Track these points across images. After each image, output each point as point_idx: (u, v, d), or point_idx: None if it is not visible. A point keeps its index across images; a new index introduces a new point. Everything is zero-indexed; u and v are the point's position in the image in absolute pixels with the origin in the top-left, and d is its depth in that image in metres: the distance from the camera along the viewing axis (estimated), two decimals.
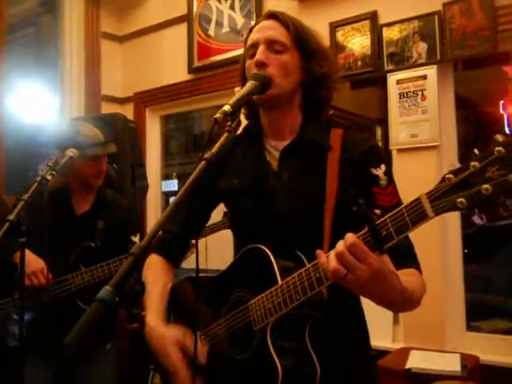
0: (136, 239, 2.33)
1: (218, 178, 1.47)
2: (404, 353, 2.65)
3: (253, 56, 1.38)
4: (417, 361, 2.50)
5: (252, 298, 1.28)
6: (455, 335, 2.81)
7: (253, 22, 3.58)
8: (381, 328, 2.97)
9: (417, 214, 0.96)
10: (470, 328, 2.91)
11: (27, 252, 2.15)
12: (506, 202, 0.87)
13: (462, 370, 2.35)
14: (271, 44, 1.36)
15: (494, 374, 2.55)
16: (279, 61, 1.36)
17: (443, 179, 0.93)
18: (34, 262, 2.18)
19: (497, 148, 0.87)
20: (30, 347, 2.14)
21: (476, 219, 1.01)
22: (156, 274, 1.50)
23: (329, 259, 1.03)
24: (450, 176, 0.92)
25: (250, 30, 1.45)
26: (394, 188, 1.32)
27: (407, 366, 2.42)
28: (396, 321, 3.01)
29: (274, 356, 1.20)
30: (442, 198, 0.93)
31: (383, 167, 1.33)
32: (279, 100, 1.38)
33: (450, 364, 2.41)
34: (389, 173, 1.33)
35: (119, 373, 2.46)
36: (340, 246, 1.00)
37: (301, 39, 1.40)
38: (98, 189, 2.45)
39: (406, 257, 1.28)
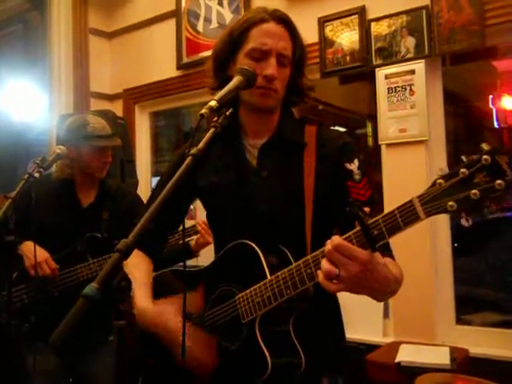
0: None
1: (194, 175, 1.46)
2: (394, 347, 2.66)
3: (258, 60, 1.37)
4: (406, 354, 2.51)
5: (239, 292, 1.31)
6: (445, 329, 2.83)
7: None
8: (371, 322, 2.99)
9: (409, 216, 1.02)
10: (459, 321, 2.93)
11: (31, 244, 2.19)
12: (491, 206, 0.95)
13: (451, 362, 2.36)
14: (280, 57, 1.38)
15: (484, 366, 2.56)
16: (283, 75, 1.40)
17: (434, 184, 1.00)
18: (37, 252, 2.19)
19: (484, 157, 0.94)
20: (39, 334, 2.16)
21: (463, 221, 1.04)
22: (138, 262, 1.50)
23: (322, 263, 1.09)
24: (441, 181, 0.99)
25: (255, 24, 1.40)
26: (367, 182, 1.38)
27: (397, 360, 2.44)
28: (386, 315, 3.02)
29: (263, 347, 1.24)
30: (433, 201, 0.99)
31: (356, 162, 1.39)
32: (274, 108, 1.45)
33: (440, 357, 2.43)
34: (362, 167, 1.39)
35: (121, 364, 2.51)
36: (328, 246, 1.07)
37: (299, 57, 1.45)
38: (100, 181, 2.48)
39: (383, 248, 1.32)
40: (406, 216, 1.02)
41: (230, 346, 1.33)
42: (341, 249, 1.05)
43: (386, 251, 1.34)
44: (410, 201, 1.02)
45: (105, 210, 2.42)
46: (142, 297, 1.43)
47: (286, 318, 1.28)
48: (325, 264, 1.07)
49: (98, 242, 2.35)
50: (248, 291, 1.29)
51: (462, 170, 0.96)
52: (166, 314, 1.37)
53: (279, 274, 1.23)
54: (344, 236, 1.09)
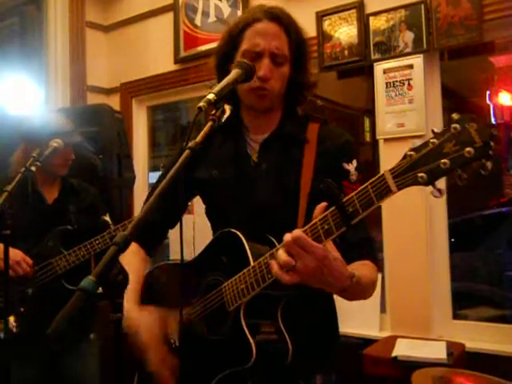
0: (107, 218, 2.44)
1: (195, 169, 1.50)
2: (391, 341, 2.67)
3: (252, 60, 1.37)
4: (403, 349, 2.52)
5: (225, 281, 1.32)
6: (441, 323, 2.84)
7: (239, 12, 3.57)
8: (368, 317, 2.99)
9: (381, 190, 1.01)
10: (456, 316, 2.94)
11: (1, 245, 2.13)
12: (461, 175, 0.93)
13: (447, 357, 2.37)
14: (275, 56, 1.38)
15: (480, 361, 2.57)
16: (280, 74, 1.40)
17: (405, 156, 0.99)
18: (12, 253, 2.16)
19: (453, 125, 0.93)
20: (19, 341, 2.14)
21: (435, 193, 1.06)
22: (130, 260, 1.49)
23: (278, 253, 1.10)
24: (412, 153, 0.98)
25: (250, 23, 1.41)
26: (361, 179, 1.38)
27: (393, 354, 2.44)
28: (383, 310, 3.03)
29: (248, 335, 1.24)
30: (404, 173, 0.98)
31: (355, 162, 1.40)
32: (271, 108, 1.46)
33: (436, 352, 2.44)
34: (359, 168, 1.40)
35: (104, 363, 2.48)
36: (287, 238, 1.08)
37: (298, 51, 1.44)
38: (61, 178, 2.48)
39: (361, 249, 1.37)
40: (379, 190, 1.02)
41: (217, 336, 1.33)
42: (299, 242, 1.06)
43: (368, 254, 1.37)
44: (382, 174, 1.01)
45: (70, 204, 2.43)
46: (128, 300, 1.42)
47: (274, 306, 1.29)
48: (282, 254, 1.09)
49: (69, 235, 2.36)
50: (233, 279, 1.30)
51: (431, 140, 0.96)
52: (143, 325, 1.37)
53: (261, 259, 1.23)
54: (321, 215, 1.10)
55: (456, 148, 0.92)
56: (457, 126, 0.93)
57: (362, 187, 1.04)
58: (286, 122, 1.49)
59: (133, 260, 1.51)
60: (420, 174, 0.95)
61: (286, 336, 1.27)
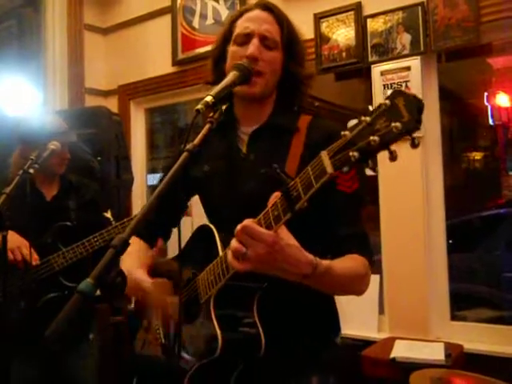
0: (108, 215, 2.44)
1: (191, 168, 1.50)
2: (389, 342, 2.67)
3: (242, 44, 1.40)
4: (401, 350, 2.52)
5: (200, 274, 1.35)
6: (440, 325, 2.84)
7: None
8: (366, 318, 2.99)
9: (319, 172, 0.99)
10: (455, 318, 2.94)
11: (11, 233, 2.11)
12: (394, 152, 0.91)
13: (446, 358, 2.37)
14: (264, 39, 1.39)
15: (478, 362, 2.58)
16: (270, 57, 1.40)
17: (340, 136, 0.97)
18: (16, 239, 2.19)
19: (384, 101, 0.91)
20: (17, 338, 2.14)
21: (369, 171, 1.06)
22: (133, 260, 1.50)
23: (231, 242, 1.11)
24: (346, 133, 0.95)
25: (241, 14, 1.45)
26: (355, 174, 1.34)
27: (392, 356, 2.44)
28: (381, 311, 3.03)
29: (216, 326, 1.24)
30: (339, 153, 0.96)
31: None
32: (262, 95, 1.44)
33: (435, 353, 2.44)
34: None
35: (102, 364, 2.48)
36: (237, 227, 1.09)
37: (290, 40, 1.44)
38: (60, 175, 2.48)
39: (351, 243, 1.34)
40: (317, 172, 1.00)
41: (193, 328, 1.34)
42: (247, 230, 1.07)
43: (358, 248, 1.33)
44: (320, 156, 0.99)
45: (70, 201, 2.44)
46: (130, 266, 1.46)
47: (249, 297, 1.29)
48: (233, 243, 1.09)
49: (68, 231, 2.35)
50: (205, 271, 1.31)
51: (363, 118, 0.93)
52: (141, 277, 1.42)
53: (226, 250, 1.21)
54: (272, 204, 1.09)
55: (386, 124, 0.90)
56: (387, 101, 0.91)
57: (304, 170, 1.03)
58: (278, 114, 1.48)
59: (134, 249, 1.52)
60: (351, 153, 0.93)
61: (260, 329, 1.26)
